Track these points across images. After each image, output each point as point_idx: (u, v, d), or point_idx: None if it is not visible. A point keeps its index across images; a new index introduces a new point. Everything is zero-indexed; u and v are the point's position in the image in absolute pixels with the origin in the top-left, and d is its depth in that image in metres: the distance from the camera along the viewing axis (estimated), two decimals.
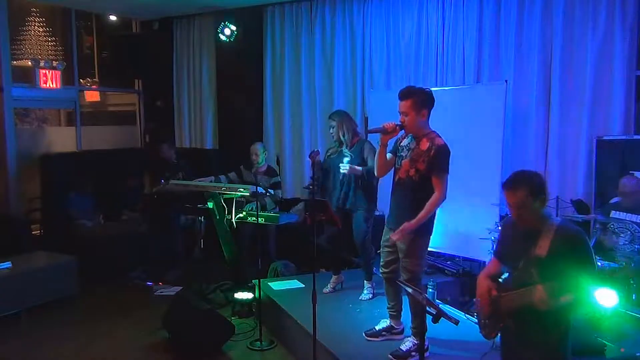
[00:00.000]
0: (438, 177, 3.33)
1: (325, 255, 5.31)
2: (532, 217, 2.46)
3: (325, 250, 5.33)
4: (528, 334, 2.48)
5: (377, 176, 3.82)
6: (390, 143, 3.61)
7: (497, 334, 2.68)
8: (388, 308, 3.85)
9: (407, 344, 3.56)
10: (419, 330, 3.38)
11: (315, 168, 4.53)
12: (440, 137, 3.42)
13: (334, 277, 4.86)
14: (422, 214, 3.35)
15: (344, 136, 4.54)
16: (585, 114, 5.19)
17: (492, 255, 2.83)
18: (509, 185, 2.47)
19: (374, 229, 4.57)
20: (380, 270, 3.78)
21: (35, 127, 7.86)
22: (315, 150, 3.90)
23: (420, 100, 3.38)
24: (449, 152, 3.38)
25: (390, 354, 3.52)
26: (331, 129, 4.65)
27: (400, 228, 3.38)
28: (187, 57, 8.02)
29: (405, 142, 3.54)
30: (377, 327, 3.86)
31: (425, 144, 3.38)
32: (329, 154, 4.77)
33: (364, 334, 3.84)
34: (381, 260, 3.75)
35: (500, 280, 2.73)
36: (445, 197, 3.37)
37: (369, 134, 4.36)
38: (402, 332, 3.82)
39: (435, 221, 3.55)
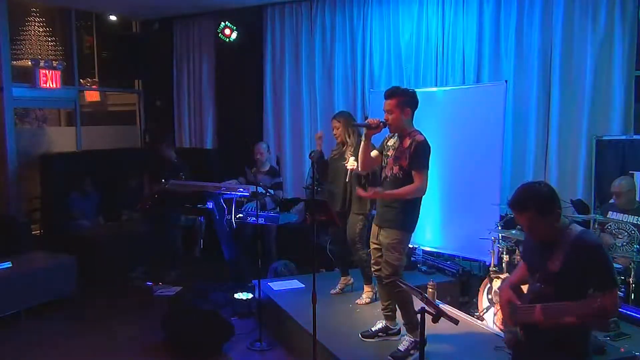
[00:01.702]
0: (417, 171, 3.43)
1: (330, 256, 5.30)
2: (546, 233, 2.29)
3: (330, 251, 5.32)
4: (541, 350, 2.33)
5: (361, 170, 3.86)
6: (378, 142, 3.74)
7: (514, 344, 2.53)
8: (382, 309, 3.85)
9: (405, 343, 3.58)
10: (413, 325, 3.49)
11: (320, 168, 4.54)
12: (421, 134, 3.52)
13: (342, 279, 4.82)
14: (396, 191, 3.45)
15: (349, 138, 4.43)
16: (585, 114, 5.19)
17: (521, 259, 2.68)
18: (515, 207, 2.31)
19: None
20: (372, 269, 3.79)
21: (35, 127, 7.86)
22: (316, 150, 3.90)
23: (404, 99, 3.51)
24: (429, 148, 3.48)
25: (390, 356, 3.53)
26: (334, 130, 4.52)
27: (373, 190, 3.48)
28: (187, 57, 8.03)
29: (391, 142, 3.66)
30: (372, 328, 3.86)
31: (407, 142, 3.49)
32: (332, 155, 4.66)
33: (360, 335, 3.84)
34: (371, 259, 3.78)
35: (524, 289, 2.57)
36: (424, 192, 3.47)
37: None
38: (398, 332, 3.83)
39: (418, 220, 3.61)
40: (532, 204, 2.25)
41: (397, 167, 3.50)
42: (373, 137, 3.64)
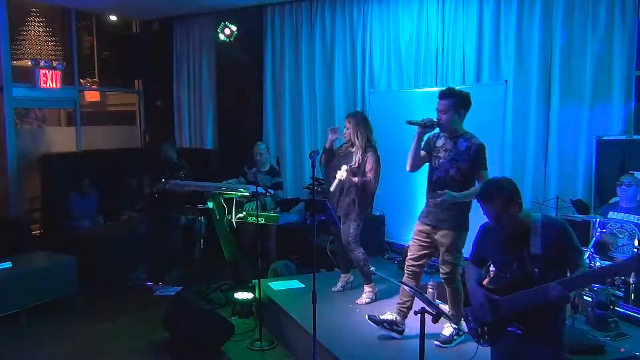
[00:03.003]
0: (481, 173, 3.49)
1: (332, 255, 5.31)
2: (511, 222, 2.51)
3: (330, 250, 5.33)
4: (533, 332, 2.49)
5: (409, 171, 3.80)
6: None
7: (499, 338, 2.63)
8: (399, 304, 3.84)
9: (449, 329, 3.69)
10: (459, 317, 3.67)
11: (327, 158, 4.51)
12: (475, 136, 3.56)
13: (343, 276, 4.83)
14: (465, 193, 3.48)
15: (357, 139, 4.39)
16: (585, 114, 5.19)
17: (470, 263, 2.81)
18: (483, 198, 2.54)
19: (367, 232, 4.52)
20: (408, 264, 3.78)
21: (35, 127, 7.86)
22: (315, 150, 3.90)
23: (459, 101, 3.53)
24: (486, 149, 3.54)
25: (436, 340, 3.65)
26: (345, 130, 4.48)
27: (444, 192, 3.45)
28: (187, 57, 8.03)
29: (439, 142, 3.64)
30: (381, 316, 3.85)
31: (463, 144, 3.52)
32: (337, 152, 4.60)
33: (366, 317, 3.86)
34: (410, 253, 3.78)
35: (485, 284, 2.71)
36: None
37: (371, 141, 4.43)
38: (402, 332, 3.81)
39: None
40: (498, 194, 2.50)
41: (455, 168, 3.52)
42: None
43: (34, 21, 7.33)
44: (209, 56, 7.82)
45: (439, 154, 3.61)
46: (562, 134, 5.34)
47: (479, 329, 2.68)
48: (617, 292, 4.01)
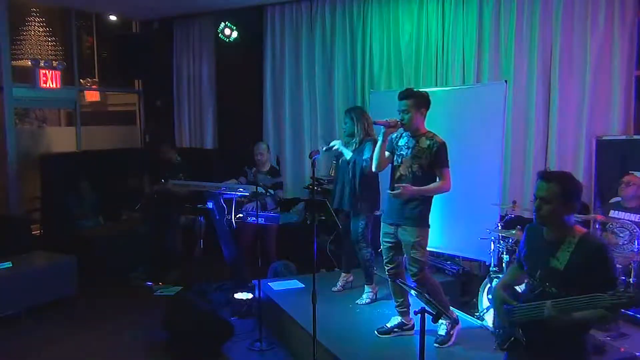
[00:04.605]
0: (442, 171, 3.60)
1: (333, 254, 5.32)
2: (554, 219, 2.32)
3: (332, 249, 5.33)
4: (540, 349, 2.34)
5: (375, 171, 3.90)
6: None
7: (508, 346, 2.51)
8: (397, 306, 3.90)
9: (443, 327, 3.69)
10: (445, 309, 3.62)
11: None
12: (438, 135, 3.67)
13: (343, 275, 4.84)
14: (425, 188, 3.59)
15: (358, 134, 4.46)
16: (585, 114, 5.19)
17: (514, 262, 2.68)
18: (545, 176, 2.35)
19: (373, 230, 4.53)
20: (386, 267, 3.84)
21: (35, 127, 7.86)
22: (315, 150, 3.92)
23: (419, 100, 3.66)
24: (447, 148, 3.65)
25: (436, 342, 3.65)
26: (345, 124, 4.56)
27: (404, 187, 3.54)
28: (187, 57, 8.03)
29: (402, 141, 3.75)
30: (388, 325, 3.91)
31: (425, 142, 3.62)
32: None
33: (375, 332, 3.89)
34: (384, 257, 3.82)
35: (519, 289, 2.61)
36: (450, 189, 3.63)
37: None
38: (412, 327, 3.88)
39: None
40: (561, 181, 2.32)
41: (417, 165, 3.61)
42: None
43: (34, 21, 7.33)
44: (209, 56, 7.81)
45: (401, 152, 3.71)
46: (562, 134, 5.33)
47: (496, 331, 2.59)
48: None
